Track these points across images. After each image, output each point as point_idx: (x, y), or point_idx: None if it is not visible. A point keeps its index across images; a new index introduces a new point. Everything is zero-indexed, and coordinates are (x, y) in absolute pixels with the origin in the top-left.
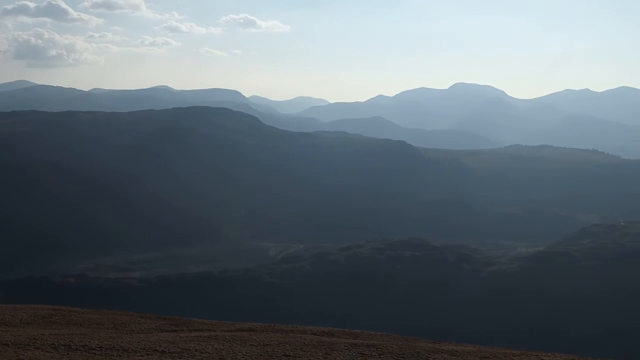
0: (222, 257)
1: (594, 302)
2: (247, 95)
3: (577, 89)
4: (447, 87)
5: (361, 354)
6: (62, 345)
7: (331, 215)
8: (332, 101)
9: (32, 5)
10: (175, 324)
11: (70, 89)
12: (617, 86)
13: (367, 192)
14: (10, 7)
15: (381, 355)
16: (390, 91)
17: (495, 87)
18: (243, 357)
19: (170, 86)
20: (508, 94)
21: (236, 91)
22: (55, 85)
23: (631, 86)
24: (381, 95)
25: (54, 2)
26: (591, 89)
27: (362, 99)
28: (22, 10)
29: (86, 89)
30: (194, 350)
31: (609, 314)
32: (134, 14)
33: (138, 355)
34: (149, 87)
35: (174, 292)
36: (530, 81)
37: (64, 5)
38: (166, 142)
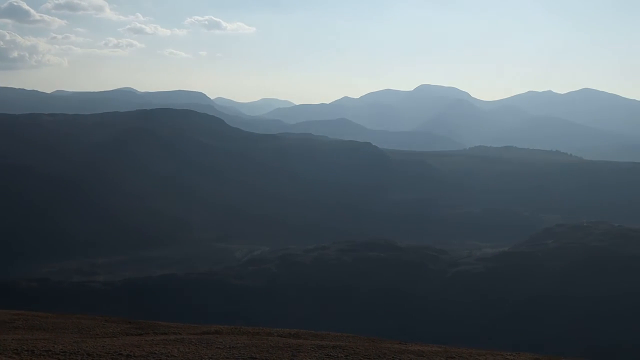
0: (188, 260)
1: (558, 301)
2: (212, 97)
3: (540, 91)
4: (412, 89)
5: (327, 355)
6: (25, 351)
7: (297, 216)
8: (297, 103)
9: None
10: (141, 327)
11: (33, 91)
12: (580, 88)
13: (333, 194)
14: None
15: (347, 357)
16: (356, 93)
17: (459, 88)
18: None
19: (135, 88)
20: (472, 96)
21: (201, 93)
22: (17, 87)
23: (593, 88)
24: (346, 97)
25: (15, 3)
26: (554, 91)
27: (328, 101)
28: None
29: (49, 91)
30: (160, 354)
31: (573, 313)
32: (97, 16)
33: None
34: (113, 89)
35: (139, 295)
36: (494, 83)
37: (25, 7)
38: (130, 144)
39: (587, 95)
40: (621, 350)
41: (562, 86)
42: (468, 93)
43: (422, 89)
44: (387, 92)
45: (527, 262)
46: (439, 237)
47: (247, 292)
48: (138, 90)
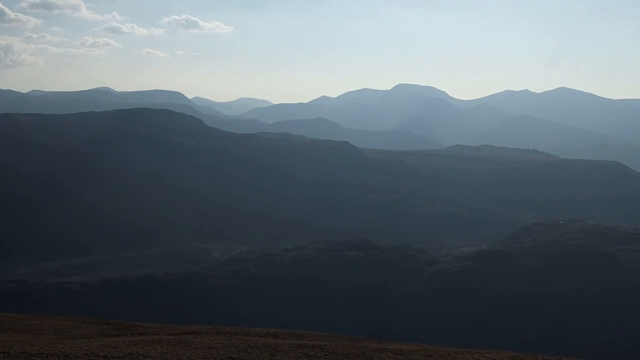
0: (166, 260)
1: (535, 299)
2: (189, 97)
3: (517, 90)
4: (389, 88)
5: (306, 354)
6: (2, 353)
7: (275, 216)
8: (275, 102)
9: None
10: (118, 328)
11: (8, 90)
12: (556, 87)
13: (311, 193)
14: None
15: (326, 356)
16: (334, 92)
17: (437, 88)
18: None
19: (112, 88)
20: (450, 95)
21: (178, 92)
22: None
23: (570, 87)
24: (324, 96)
25: None
26: (531, 90)
27: (305, 100)
28: None
29: (25, 90)
30: (137, 355)
31: (550, 310)
32: (73, 15)
33: None
34: (89, 88)
35: (116, 296)
36: (471, 82)
37: (0, 6)
38: (108, 145)
39: (563, 94)
40: (599, 347)
41: (539, 85)
42: (446, 92)
43: (400, 89)
44: (365, 91)
45: (505, 261)
46: (417, 236)
47: (226, 292)
48: (115, 90)
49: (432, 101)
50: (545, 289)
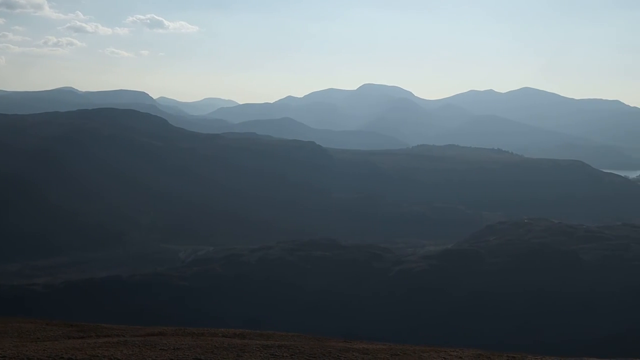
0: (131, 261)
1: (501, 298)
2: (154, 97)
3: (481, 90)
4: (355, 88)
5: (273, 355)
6: None
7: (241, 216)
8: (241, 102)
9: None
10: (83, 330)
11: None
12: (520, 87)
13: (278, 193)
14: None
15: (293, 356)
16: (300, 92)
17: (402, 87)
18: None
19: (75, 88)
20: (415, 95)
21: (143, 92)
22: None
23: (533, 87)
24: (290, 96)
25: None
26: (495, 90)
27: (272, 100)
28: None
29: None
30: (102, 357)
31: (515, 309)
32: (36, 14)
33: None
34: (53, 88)
35: (81, 297)
36: (436, 82)
37: None
38: (72, 145)
39: (527, 94)
40: (563, 345)
41: (503, 85)
42: (411, 92)
43: (366, 89)
44: (331, 91)
45: (470, 259)
46: (383, 235)
47: (192, 292)
48: (79, 89)
49: (397, 101)
50: (510, 288)
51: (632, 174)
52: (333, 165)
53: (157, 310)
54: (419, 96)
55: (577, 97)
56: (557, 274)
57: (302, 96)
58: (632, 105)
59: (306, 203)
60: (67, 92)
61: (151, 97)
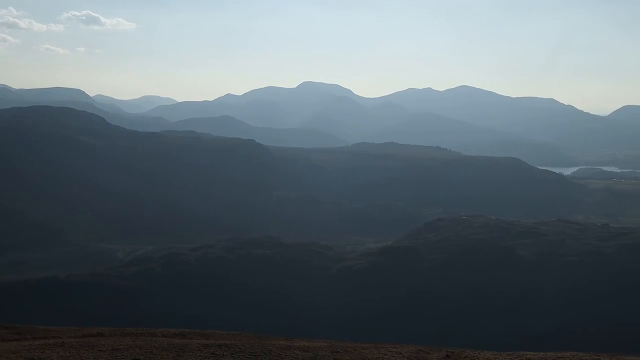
0: (68, 261)
1: (440, 293)
2: (91, 95)
3: (420, 88)
4: (295, 86)
5: (213, 354)
6: None
7: (181, 215)
8: (179, 100)
9: None
10: (18, 332)
11: None
12: (458, 85)
13: (218, 192)
14: None
15: (233, 355)
16: (239, 90)
17: (341, 86)
18: None
19: (9, 85)
20: (354, 93)
21: (80, 90)
22: None
23: (471, 85)
24: (230, 94)
25: None
26: (433, 88)
27: (211, 98)
28: None
29: None
30: (39, 359)
31: (455, 304)
32: None
33: None
34: None
35: (16, 299)
36: (375, 80)
37: None
38: (6, 143)
39: (464, 92)
40: (502, 343)
41: (441, 84)
42: (350, 90)
43: (305, 86)
44: (271, 89)
45: (410, 256)
46: (323, 233)
47: (131, 292)
48: (12, 87)
49: (337, 99)
50: (448, 283)
51: (567, 171)
52: (273, 163)
53: (95, 311)
54: (358, 94)
55: (513, 96)
56: (495, 269)
57: (241, 94)
58: (566, 103)
59: (246, 201)
60: (0, 90)
61: (88, 95)
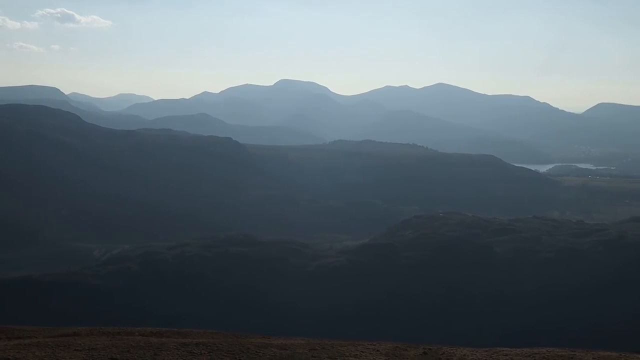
0: (43, 260)
1: (417, 290)
2: (66, 93)
3: (396, 86)
4: (272, 84)
5: (190, 352)
6: None
7: (158, 213)
8: (156, 98)
9: None
10: None
11: None
12: (434, 83)
13: (194, 190)
14: None
15: (210, 353)
16: (216, 88)
17: (319, 83)
18: None
19: None
20: (331, 90)
21: (55, 88)
22: None
23: (447, 83)
24: (206, 92)
25: None
26: (410, 86)
27: (187, 96)
28: None
29: None
30: (14, 359)
31: (432, 302)
32: None
33: None
34: None
35: None
36: (352, 78)
37: None
38: None
39: (441, 90)
40: (479, 338)
41: (418, 81)
42: (327, 88)
43: (282, 84)
44: (248, 87)
45: (387, 253)
46: (300, 231)
47: (107, 291)
48: None
49: (314, 97)
50: (425, 280)
51: (542, 168)
52: (250, 160)
53: (71, 311)
54: (335, 92)
55: (489, 93)
56: (472, 266)
57: (218, 92)
58: (541, 101)
59: (223, 198)
60: None
61: (63, 93)
